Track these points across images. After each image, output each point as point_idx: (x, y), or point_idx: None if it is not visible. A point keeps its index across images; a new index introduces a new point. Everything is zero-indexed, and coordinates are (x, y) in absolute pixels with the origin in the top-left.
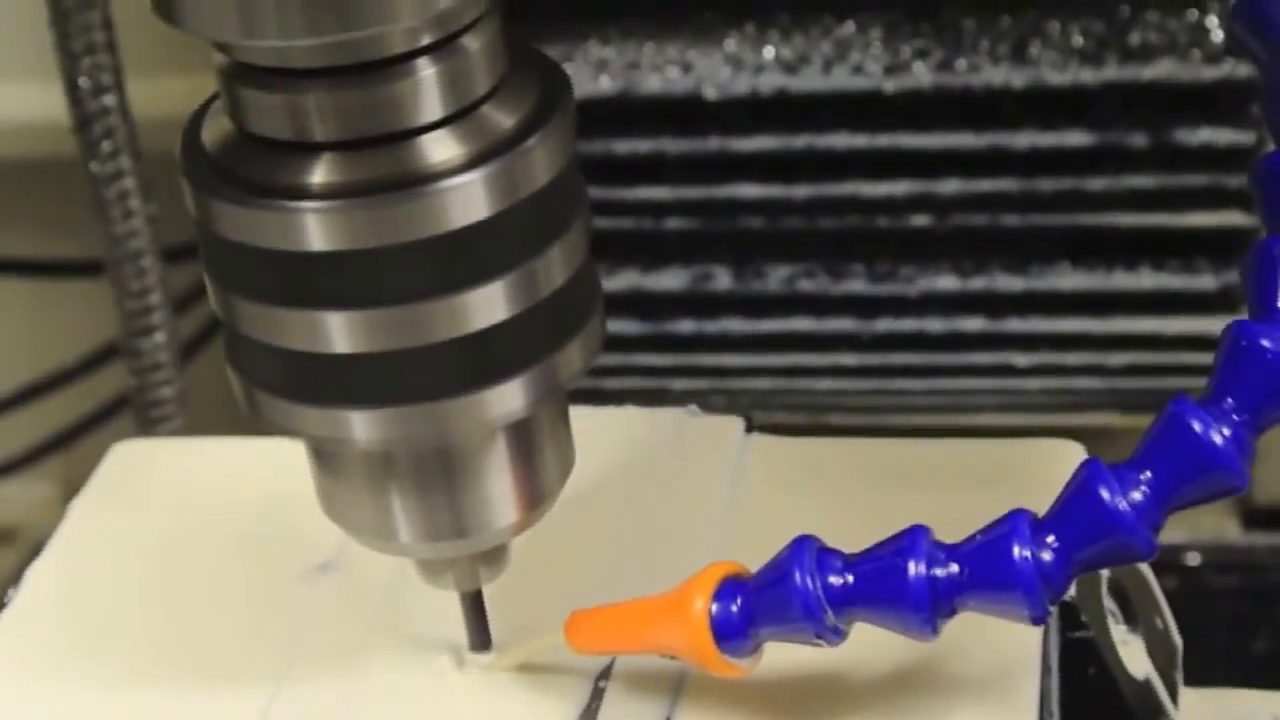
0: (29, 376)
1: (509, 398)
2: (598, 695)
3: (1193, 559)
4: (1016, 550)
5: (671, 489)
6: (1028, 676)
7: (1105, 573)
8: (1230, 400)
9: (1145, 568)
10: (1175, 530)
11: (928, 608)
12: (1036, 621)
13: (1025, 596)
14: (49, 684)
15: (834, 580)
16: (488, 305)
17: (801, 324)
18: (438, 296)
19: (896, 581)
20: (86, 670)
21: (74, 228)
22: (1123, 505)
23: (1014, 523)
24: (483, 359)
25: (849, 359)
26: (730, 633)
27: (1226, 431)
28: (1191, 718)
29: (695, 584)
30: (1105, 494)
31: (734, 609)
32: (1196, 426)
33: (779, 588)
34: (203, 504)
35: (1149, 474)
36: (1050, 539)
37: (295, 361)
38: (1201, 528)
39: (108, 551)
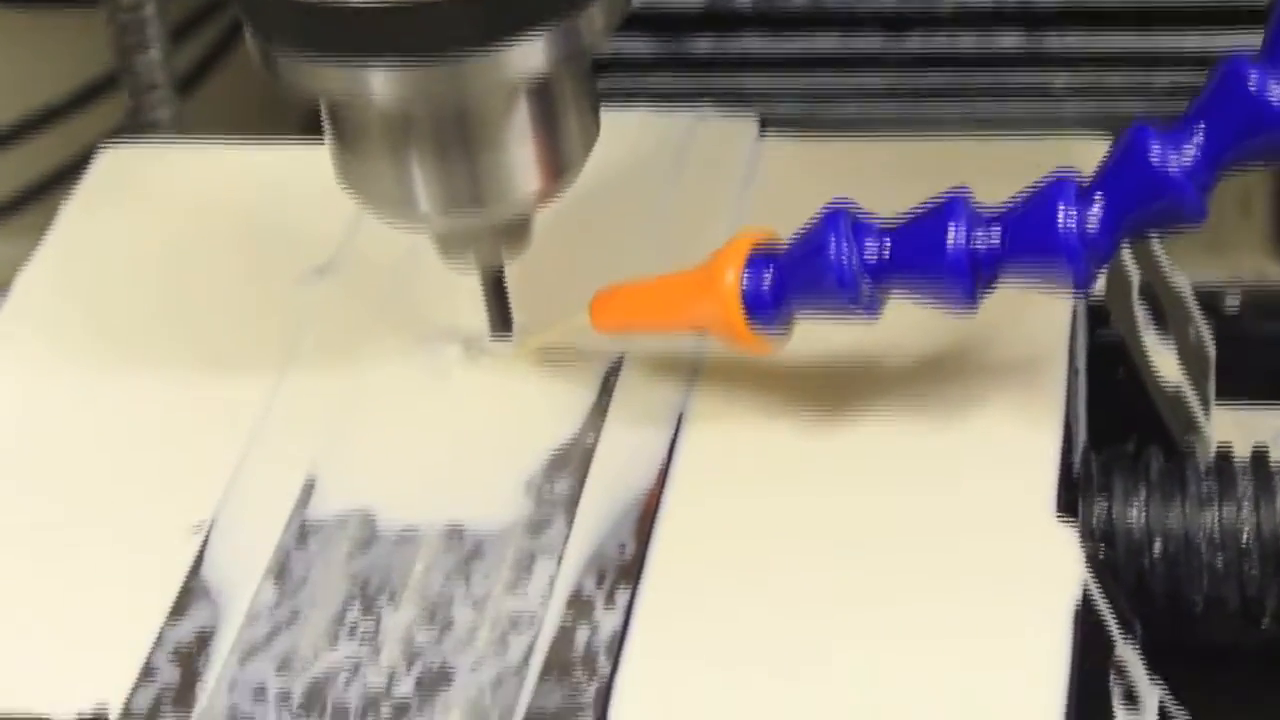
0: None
1: (529, 56)
2: (609, 387)
3: (1231, 301)
4: (1061, 213)
5: (685, 187)
6: (1054, 375)
7: (1136, 276)
8: None
9: (1182, 277)
10: (1211, 270)
11: (968, 274)
12: (1080, 288)
13: (1070, 261)
14: (47, 375)
15: (870, 247)
16: None
17: (826, 42)
18: None
19: (936, 247)
20: (84, 363)
21: None
22: (1172, 166)
23: (1059, 186)
24: (502, 12)
25: (876, 80)
26: (761, 304)
27: None
28: (1222, 433)
29: (725, 255)
30: (1154, 155)
31: (765, 280)
32: (1253, 83)
33: (813, 257)
34: (195, 208)
35: (1200, 134)
36: (1096, 202)
37: (315, 14)
38: (1242, 268)
39: (100, 253)
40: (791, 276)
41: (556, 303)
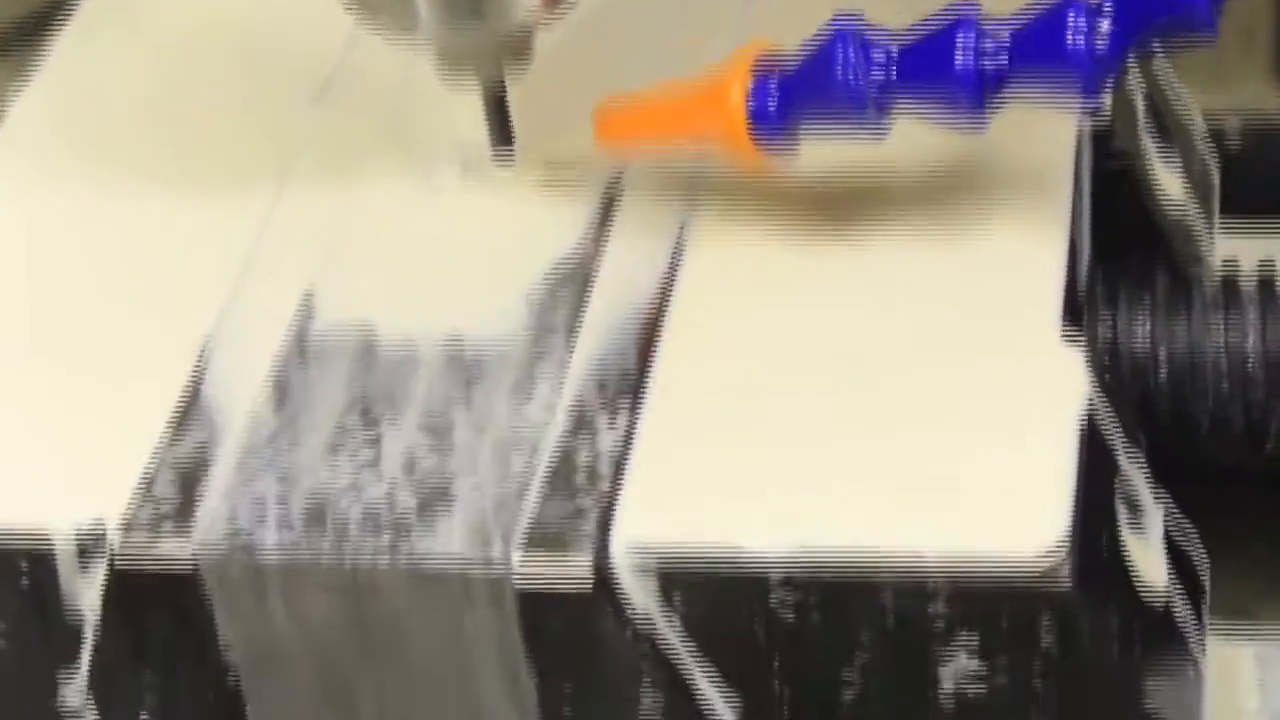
0: None
1: None
2: (611, 203)
3: (1232, 131)
4: (1071, 24)
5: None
6: (1060, 195)
7: (1142, 99)
8: None
9: (1189, 100)
10: (1213, 100)
11: (977, 87)
12: (1090, 99)
13: (1080, 73)
14: (45, 199)
15: (878, 60)
16: None
17: None
18: None
19: (945, 60)
20: (81, 186)
21: None
22: None
23: None
24: None
25: None
26: (768, 120)
27: None
28: (1225, 253)
29: (730, 69)
30: None
31: (772, 95)
32: None
33: (821, 71)
34: (191, 30)
35: None
36: (1106, 14)
37: None
38: (1244, 98)
39: (96, 78)
40: (798, 92)
41: (558, 120)
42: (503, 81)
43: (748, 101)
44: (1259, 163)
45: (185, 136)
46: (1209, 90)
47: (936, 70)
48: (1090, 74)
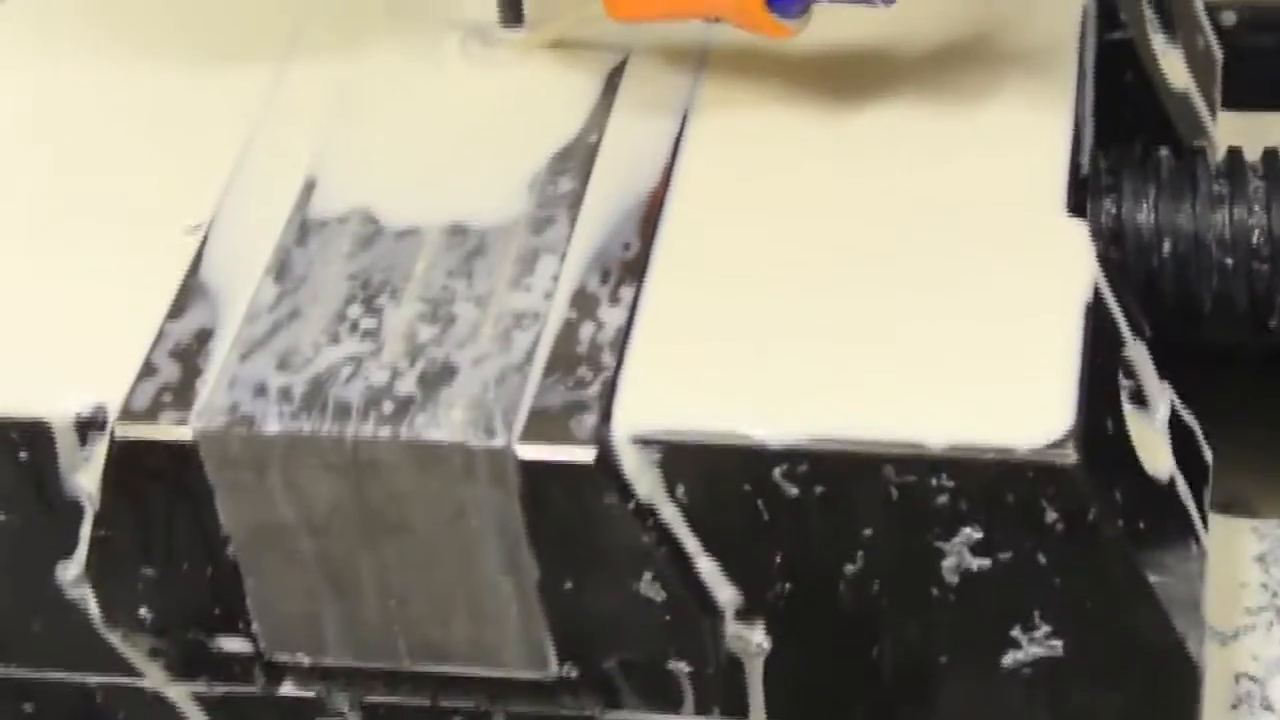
0: None
1: None
2: (614, 84)
3: (1228, 18)
4: None
5: None
6: (1065, 73)
7: None
8: None
9: None
10: None
11: None
12: None
13: None
14: (48, 71)
15: None
16: None
17: None
18: None
19: None
20: (82, 61)
21: None
22: None
23: None
24: None
25: None
26: None
27: None
28: (1227, 137)
29: None
30: None
31: None
32: None
33: None
34: None
35: None
36: None
37: None
38: None
39: None
40: None
41: None
42: None
43: None
44: (1255, 45)
45: (187, 10)
46: None
47: None
48: None
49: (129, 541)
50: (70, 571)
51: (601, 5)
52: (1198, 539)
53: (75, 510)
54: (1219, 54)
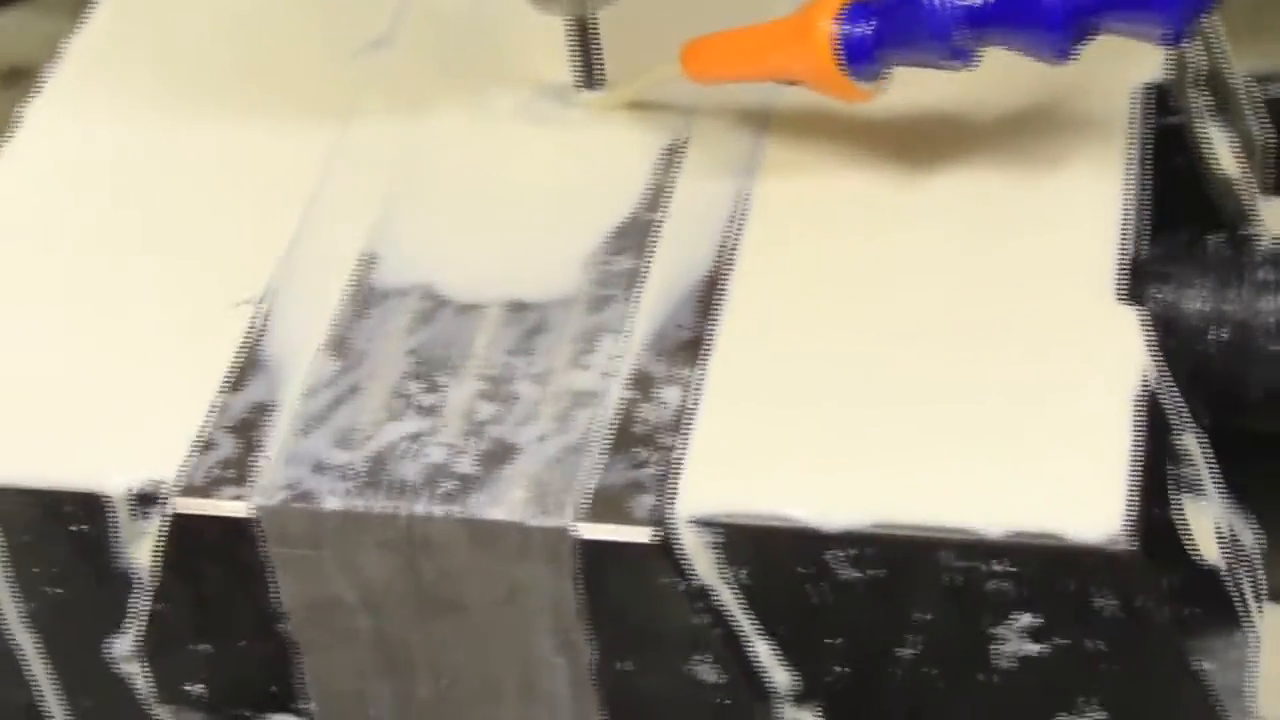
0: None
1: None
2: (675, 161)
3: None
4: None
5: None
6: (1118, 147)
7: (1198, 65)
8: None
9: (1240, 68)
10: (1253, 58)
11: (1060, 23)
12: (1174, 40)
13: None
14: (106, 134)
15: None
16: None
17: None
18: None
19: None
20: (140, 125)
21: None
22: None
23: None
24: None
25: None
26: (857, 54)
27: None
28: (1275, 223)
29: (820, 3)
30: None
31: (860, 29)
32: None
33: (908, 6)
34: None
35: None
36: None
37: None
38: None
39: (154, 18)
40: (886, 26)
41: (641, 57)
42: (587, 16)
43: (839, 35)
44: None
45: (245, 84)
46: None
47: (1024, 8)
48: (1174, 13)
49: (183, 617)
50: (123, 646)
51: (679, 66)
52: (1248, 627)
53: (129, 584)
54: (1268, 139)
